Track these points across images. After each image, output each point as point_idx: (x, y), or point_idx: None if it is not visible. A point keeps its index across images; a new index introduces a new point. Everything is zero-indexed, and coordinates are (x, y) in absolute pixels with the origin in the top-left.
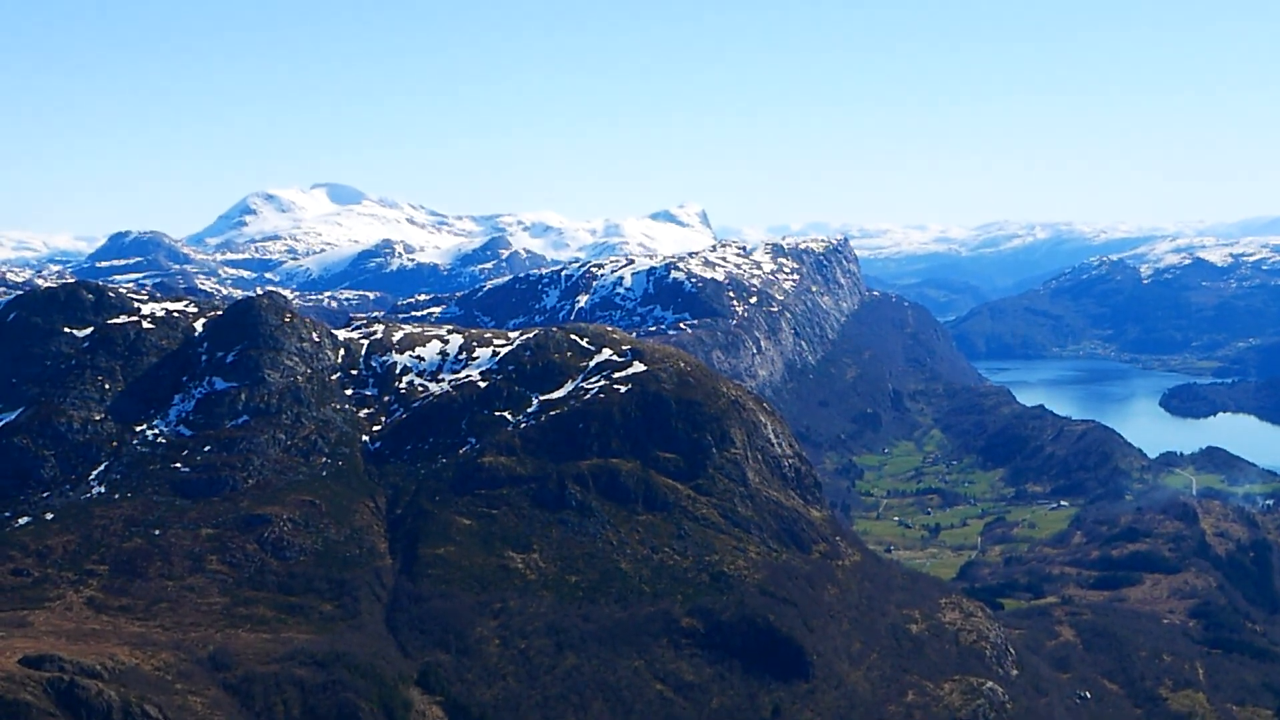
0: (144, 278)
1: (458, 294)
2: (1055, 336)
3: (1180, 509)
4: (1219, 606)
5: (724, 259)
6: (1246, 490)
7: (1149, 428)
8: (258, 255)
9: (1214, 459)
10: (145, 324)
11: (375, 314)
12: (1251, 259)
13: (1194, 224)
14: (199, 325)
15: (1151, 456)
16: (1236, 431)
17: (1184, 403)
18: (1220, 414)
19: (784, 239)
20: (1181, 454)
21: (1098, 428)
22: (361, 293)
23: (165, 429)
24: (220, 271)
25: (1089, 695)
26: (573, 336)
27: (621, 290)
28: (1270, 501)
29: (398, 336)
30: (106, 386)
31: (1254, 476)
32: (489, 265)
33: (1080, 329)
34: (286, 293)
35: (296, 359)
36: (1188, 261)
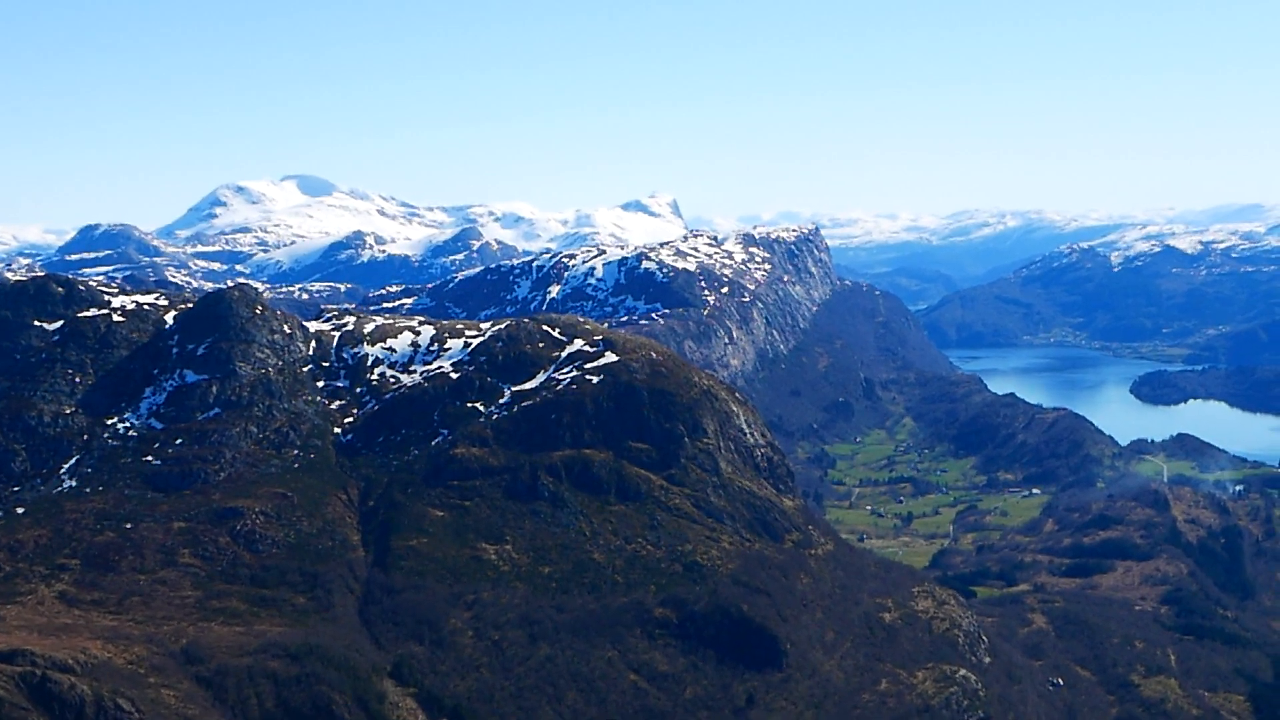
0: (114, 270)
1: (429, 285)
2: (1026, 324)
3: (1151, 496)
4: (1190, 593)
5: (695, 249)
6: (1217, 477)
7: (1120, 415)
8: (228, 247)
9: (1185, 446)
10: (116, 317)
11: (346, 306)
12: (1221, 246)
13: (1164, 212)
14: (170, 318)
15: (1122, 444)
16: (1207, 418)
17: (1154, 390)
18: (1191, 401)
19: (755, 229)
20: (1152, 441)
21: (1069, 415)
22: (332, 284)
23: (136, 422)
24: (191, 264)
25: (1061, 682)
26: (544, 327)
27: (593, 281)
28: (1241, 487)
29: (369, 328)
30: (77, 380)
31: (1224, 463)
32: (460, 256)
33: (1051, 317)
34: (257, 285)
35: (268, 351)
36: (1158, 249)
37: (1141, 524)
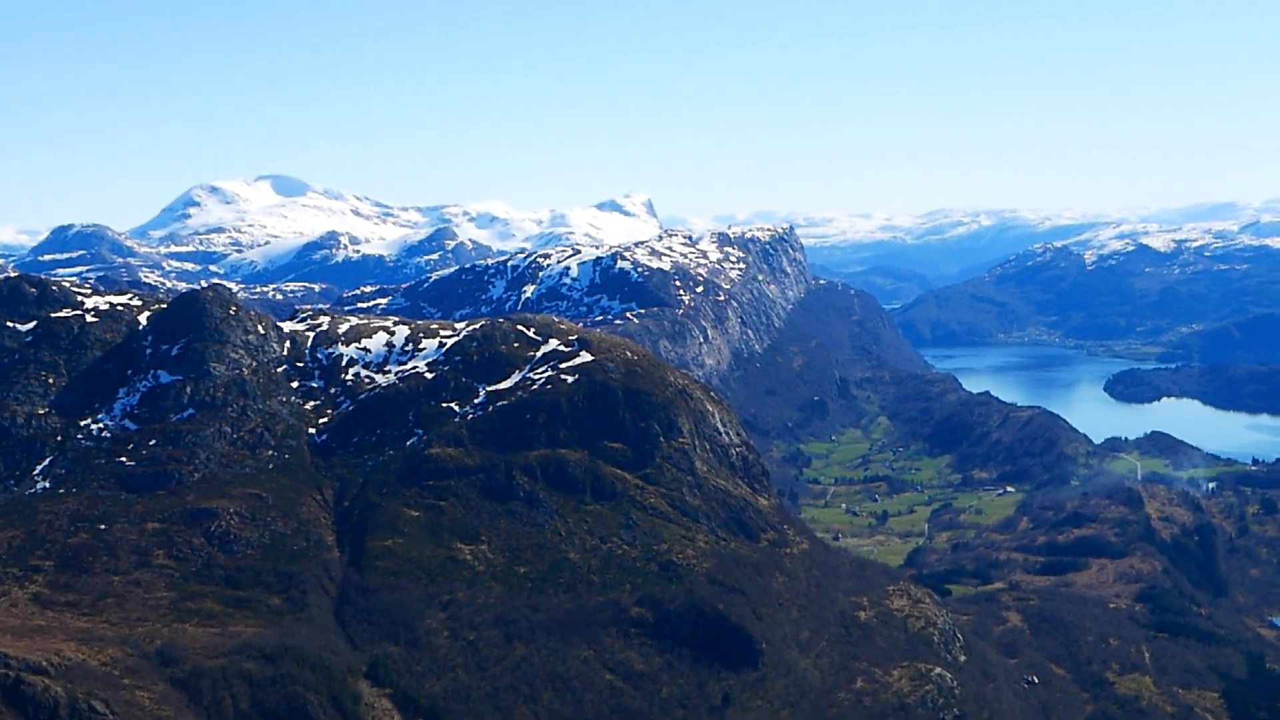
0: (87, 271)
1: (404, 285)
2: (1000, 323)
3: (1125, 494)
4: (1164, 590)
5: (670, 249)
6: (1191, 474)
7: (1094, 413)
8: (202, 248)
9: (1158, 444)
10: (89, 318)
11: (321, 306)
12: (1194, 245)
13: (1138, 210)
14: (143, 318)
15: (1096, 442)
16: (1180, 416)
17: (1128, 388)
18: (1164, 399)
19: (730, 228)
20: (1126, 439)
21: (1043, 414)
22: (307, 285)
23: (110, 423)
24: (164, 264)
25: (1036, 680)
26: (519, 327)
27: (568, 280)
28: (1214, 485)
29: (344, 328)
30: (50, 381)
31: (1198, 461)
32: (435, 256)
33: (1025, 315)
34: (231, 285)
35: (242, 351)
36: (1131, 248)
37: (1116, 522)
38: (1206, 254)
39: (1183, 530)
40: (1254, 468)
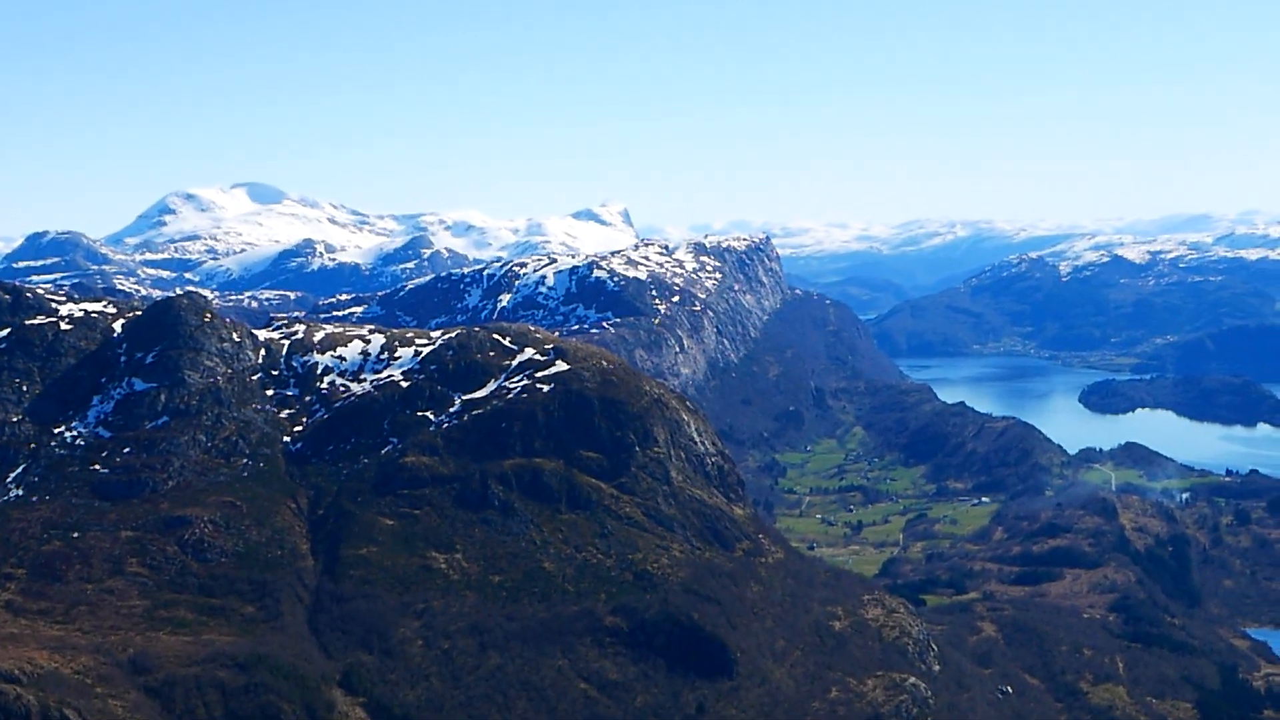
0: (62, 278)
1: (379, 294)
2: (976, 334)
3: (1100, 504)
4: (1138, 601)
5: (646, 258)
6: (1165, 485)
7: (1068, 424)
8: (177, 255)
9: (1133, 454)
10: (63, 325)
11: (296, 314)
12: (1169, 257)
13: (1113, 222)
14: (118, 326)
15: (1071, 452)
16: (1155, 427)
17: (1103, 399)
18: (1139, 410)
19: (706, 238)
20: (1101, 450)
21: (1018, 424)
22: (282, 292)
23: (84, 430)
24: (139, 272)
25: (1010, 690)
26: (495, 336)
27: (544, 289)
28: (1188, 496)
29: (319, 336)
30: (24, 388)
31: (1172, 472)
32: (411, 265)
33: (1000, 326)
34: (206, 293)
35: (217, 359)
36: (1106, 259)
37: (1090, 532)
38: (1181, 265)
39: (1157, 541)
40: (1227, 479)
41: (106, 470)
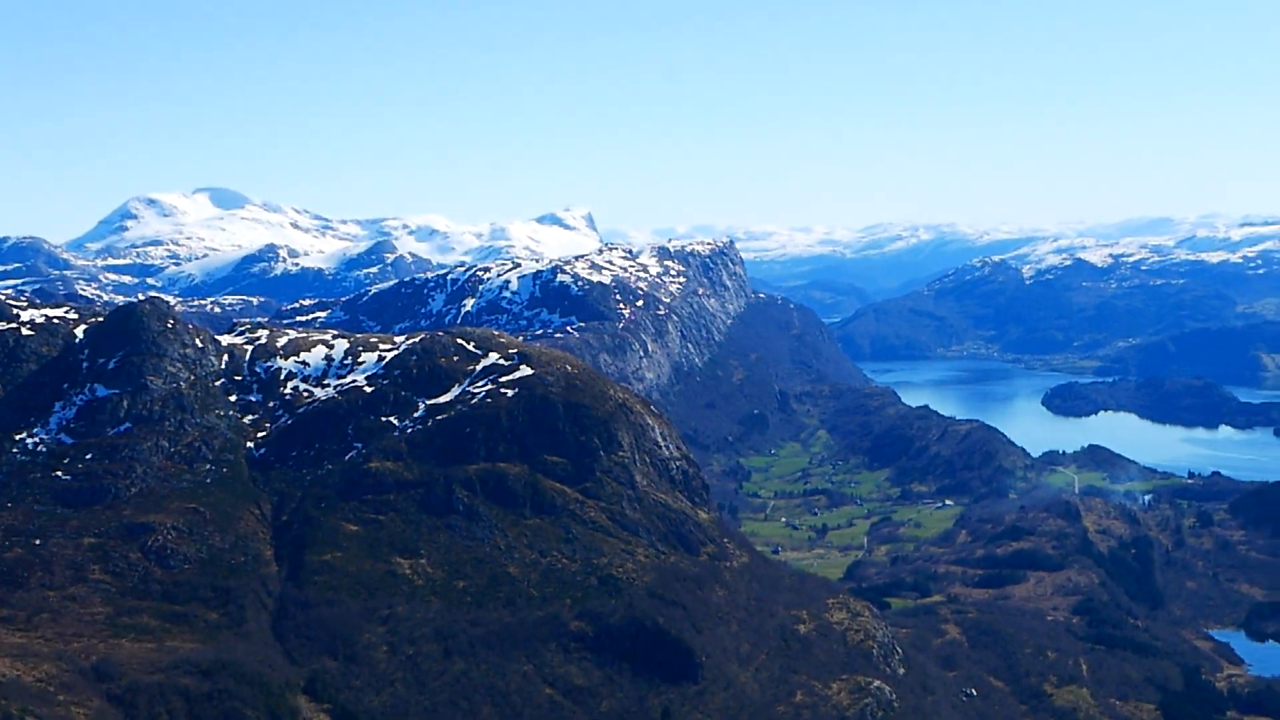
0: (22, 284)
1: (343, 298)
2: (939, 337)
3: (1063, 507)
4: (1101, 603)
5: (610, 262)
6: (1127, 487)
7: (1032, 427)
8: (139, 260)
9: (1095, 457)
10: (24, 330)
11: (259, 319)
12: (1131, 260)
13: (1075, 225)
14: (80, 332)
15: (1034, 455)
16: (1117, 430)
17: (1066, 402)
18: (1101, 413)
19: (670, 242)
20: (1064, 452)
21: (981, 427)
22: (245, 298)
23: (46, 437)
24: (101, 277)
25: (975, 692)
26: (459, 340)
27: (508, 294)
28: (1150, 498)
29: (282, 342)
30: None
31: (1134, 474)
32: (374, 269)
33: (963, 329)
34: (169, 298)
35: (179, 365)
36: (1068, 262)
37: (1053, 535)
38: (1143, 268)
39: (1120, 543)
40: (1190, 481)
41: (69, 477)
